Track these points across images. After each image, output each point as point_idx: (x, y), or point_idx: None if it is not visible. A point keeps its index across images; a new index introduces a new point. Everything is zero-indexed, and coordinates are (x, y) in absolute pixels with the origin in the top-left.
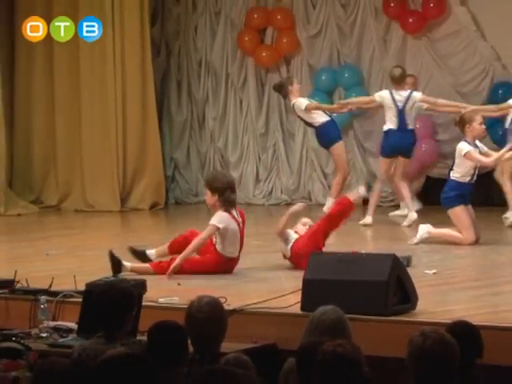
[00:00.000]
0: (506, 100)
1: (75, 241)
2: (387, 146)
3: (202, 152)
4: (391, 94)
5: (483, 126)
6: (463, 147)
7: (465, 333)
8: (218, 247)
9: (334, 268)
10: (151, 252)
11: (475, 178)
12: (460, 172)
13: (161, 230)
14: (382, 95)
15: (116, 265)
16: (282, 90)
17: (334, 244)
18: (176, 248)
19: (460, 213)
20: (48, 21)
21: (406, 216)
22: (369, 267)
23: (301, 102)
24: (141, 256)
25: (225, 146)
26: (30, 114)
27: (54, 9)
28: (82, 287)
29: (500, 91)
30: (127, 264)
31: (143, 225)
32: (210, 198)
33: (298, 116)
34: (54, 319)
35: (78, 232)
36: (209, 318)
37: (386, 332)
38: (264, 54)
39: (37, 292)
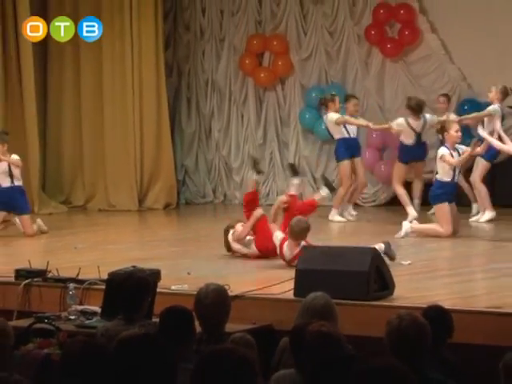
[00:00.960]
0: None
1: (99, 236)
2: (495, 152)
3: (208, 159)
4: (500, 107)
5: (458, 133)
6: (440, 151)
7: (438, 315)
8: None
9: (322, 259)
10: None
11: (456, 177)
12: (441, 173)
13: (173, 226)
14: (496, 108)
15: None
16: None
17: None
18: None
19: (443, 209)
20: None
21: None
22: (352, 259)
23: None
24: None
25: (228, 154)
26: (60, 126)
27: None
28: (104, 276)
29: (466, 107)
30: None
31: (158, 222)
32: None
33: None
34: (80, 304)
35: (101, 228)
36: (214, 303)
37: (368, 315)
38: (262, 75)
39: (66, 280)
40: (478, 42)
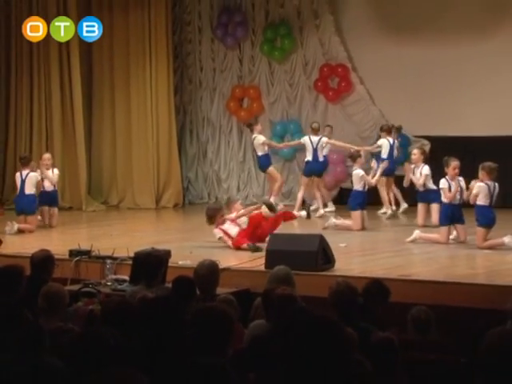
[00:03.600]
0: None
1: (128, 226)
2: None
3: (205, 172)
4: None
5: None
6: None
7: (376, 285)
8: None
9: (284, 242)
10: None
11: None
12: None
13: (180, 220)
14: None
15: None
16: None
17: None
18: None
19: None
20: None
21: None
22: (305, 242)
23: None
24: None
25: (219, 169)
26: (101, 150)
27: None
28: (132, 254)
29: None
30: None
31: (169, 217)
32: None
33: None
34: (115, 274)
35: (129, 221)
36: (208, 273)
37: (317, 281)
38: (242, 114)
39: (104, 257)
40: (392, 90)
